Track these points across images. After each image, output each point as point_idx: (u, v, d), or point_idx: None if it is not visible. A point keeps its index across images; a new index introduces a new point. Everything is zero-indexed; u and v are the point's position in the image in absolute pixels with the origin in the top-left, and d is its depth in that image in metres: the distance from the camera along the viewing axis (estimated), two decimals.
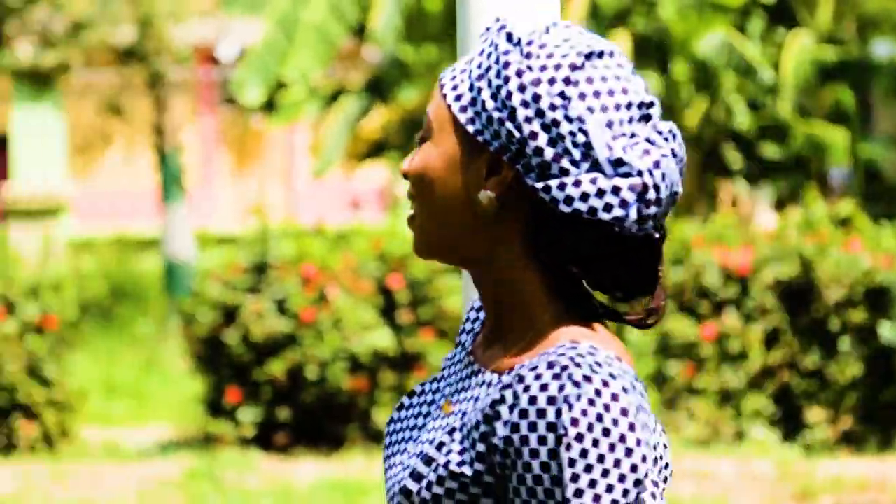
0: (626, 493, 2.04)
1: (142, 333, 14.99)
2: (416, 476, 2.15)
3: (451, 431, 2.15)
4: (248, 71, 14.84)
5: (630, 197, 2.09)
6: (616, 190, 2.10)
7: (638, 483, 2.07)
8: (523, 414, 2.05)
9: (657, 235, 2.13)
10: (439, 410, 2.24)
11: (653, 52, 15.59)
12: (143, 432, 11.10)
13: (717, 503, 8.39)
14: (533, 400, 2.05)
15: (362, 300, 10.18)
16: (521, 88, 2.13)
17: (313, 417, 10.17)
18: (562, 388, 2.03)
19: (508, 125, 2.11)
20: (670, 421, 9.88)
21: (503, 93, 2.13)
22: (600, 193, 2.09)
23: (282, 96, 16.39)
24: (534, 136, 2.11)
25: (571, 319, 2.16)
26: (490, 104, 2.14)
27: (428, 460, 2.16)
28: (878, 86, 16.02)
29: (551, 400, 2.04)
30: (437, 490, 2.15)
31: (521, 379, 2.06)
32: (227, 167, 24.89)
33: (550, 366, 2.05)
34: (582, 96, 2.12)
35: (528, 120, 2.11)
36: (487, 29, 2.18)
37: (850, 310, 9.91)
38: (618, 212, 2.09)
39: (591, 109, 2.12)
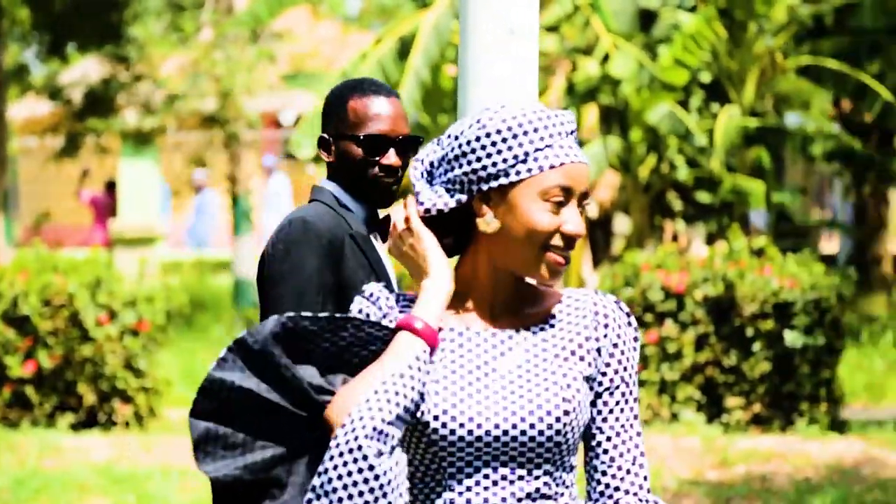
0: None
1: (216, 336, 14.98)
2: (567, 399, 2.23)
3: (566, 359, 2.27)
4: (302, 132, 14.83)
5: None
6: None
7: None
8: (622, 323, 2.33)
9: None
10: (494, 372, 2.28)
11: (615, 121, 15.58)
12: None
13: (655, 471, 8.36)
14: (619, 312, 2.33)
15: None
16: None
17: None
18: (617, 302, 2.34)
19: None
20: None
21: None
22: None
23: None
24: None
25: None
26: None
27: (563, 382, 2.24)
28: (789, 148, 15.98)
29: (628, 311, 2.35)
30: (580, 389, 2.25)
31: (595, 304, 2.31)
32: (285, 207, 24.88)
33: (595, 293, 2.34)
34: None
35: None
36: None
37: (762, 320, 9.88)
38: None
39: None
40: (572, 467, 2.28)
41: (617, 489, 2.29)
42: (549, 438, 2.21)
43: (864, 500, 7.55)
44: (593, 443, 2.30)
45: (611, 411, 2.29)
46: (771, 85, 16.48)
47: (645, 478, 2.30)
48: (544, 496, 2.24)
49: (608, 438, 2.29)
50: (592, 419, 2.30)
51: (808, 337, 9.78)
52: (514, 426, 2.21)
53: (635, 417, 2.31)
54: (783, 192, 16.92)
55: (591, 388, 2.30)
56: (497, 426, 2.21)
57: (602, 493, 2.30)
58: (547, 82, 16.62)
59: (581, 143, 15.34)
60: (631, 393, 2.30)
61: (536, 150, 2.24)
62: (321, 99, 14.58)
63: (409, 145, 3.23)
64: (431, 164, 2.34)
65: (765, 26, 15.85)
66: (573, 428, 2.23)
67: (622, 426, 2.29)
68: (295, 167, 24.10)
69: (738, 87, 16.21)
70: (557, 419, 2.21)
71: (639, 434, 2.31)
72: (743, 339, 9.90)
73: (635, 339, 2.33)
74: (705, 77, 16.28)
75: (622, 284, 10.14)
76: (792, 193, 17.08)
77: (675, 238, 19.76)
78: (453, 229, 2.31)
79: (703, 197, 16.15)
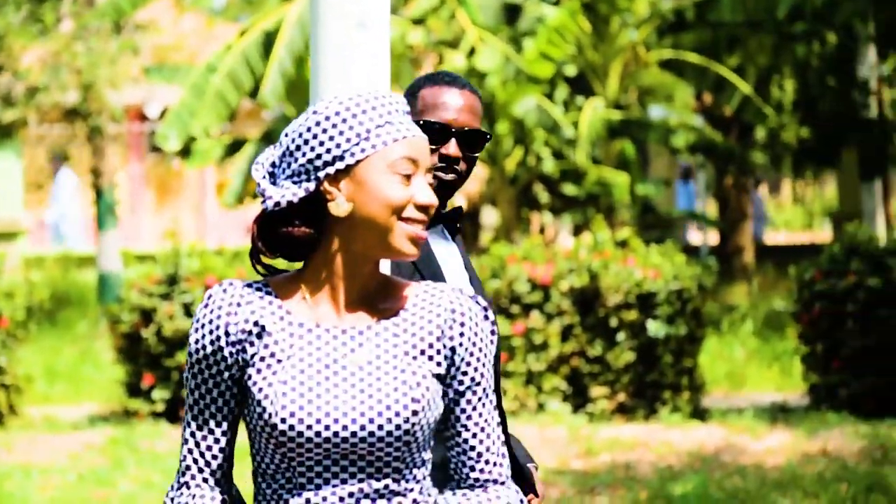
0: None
1: (79, 331, 14.73)
2: (416, 399, 2.24)
3: (415, 357, 2.27)
4: (168, 126, 14.65)
5: None
6: None
7: None
8: (478, 320, 2.34)
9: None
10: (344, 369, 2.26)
11: (482, 113, 15.64)
12: (77, 409, 10.88)
13: None
14: (476, 307, 2.34)
15: None
16: None
17: None
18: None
19: None
20: None
21: None
22: None
23: (194, 145, 16.21)
24: None
25: None
26: None
27: (412, 381, 2.25)
28: (652, 140, 16.21)
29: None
30: (430, 388, 2.26)
31: (451, 301, 2.32)
32: (151, 201, 24.57)
33: (444, 289, 2.34)
34: None
35: None
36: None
37: (626, 311, 10.00)
38: None
39: None
40: (424, 462, 2.30)
41: (487, 481, 2.35)
42: (398, 438, 2.22)
43: (724, 486, 7.69)
44: (459, 439, 2.34)
45: (474, 408, 2.32)
46: (634, 78, 16.70)
47: (508, 466, 2.37)
48: (393, 492, 2.25)
49: (474, 435, 2.33)
50: (456, 417, 2.33)
51: (671, 327, 9.92)
52: (363, 427, 2.21)
53: (495, 409, 2.36)
54: (647, 183, 17.15)
55: (448, 385, 2.32)
56: (345, 427, 2.21)
57: (472, 487, 2.36)
58: (414, 75, 16.60)
59: None
60: (490, 386, 2.34)
61: (377, 126, 2.25)
62: (186, 91, 14.41)
63: (473, 140, 3.08)
64: (273, 165, 2.32)
65: (628, 20, 16.04)
66: (423, 426, 2.25)
67: (485, 421, 2.33)
68: (160, 161, 23.80)
69: (602, 80, 16.39)
70: (406, 419, 2.22)
71: (499, 424, 2.36)
72: (607, 330, 10.01)
73: (493, 333, 2.35)
74: (570, 70, 16.43)
75: (489, 276, 10.19)
76: (656, 185, 17.31)
77: (542, 230, 19.94)
78: (309, 223, 2.29)
79: (569, 189, 16.31)
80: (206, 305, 2.30)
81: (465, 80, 3.19)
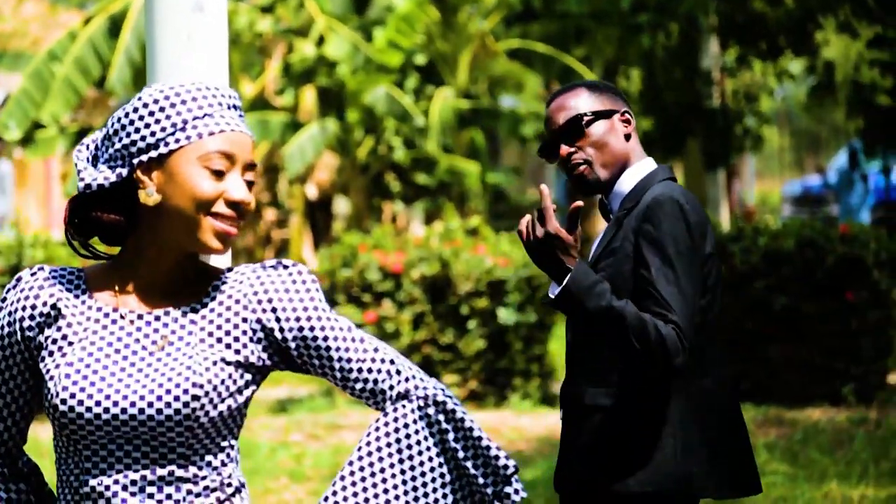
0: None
1: None
2: (198, 384, 2.19)
3: (211, 345, 2.23)
4: (8, 114, 14.31)
5: None
6: None
7: None
8: (287, 287, 2.29)
9: None
10: (144, 350, 2.25)
11: (333, 102, 15.59)
12: None
13: None
14: (282, 274, 2.30)
15: None
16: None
17: None
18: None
19: None
20: None
21: None
22: None
23: (37, 135, 15.85)
24: None
25: None
26: None
27: (199, 367, 2.21)
28: (503, 129, 16.30)
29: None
30: (219, 375, 2.22)
31: (252, 284, 2.27)
32: None
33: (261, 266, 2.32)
34: None
35: None
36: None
37: (477, 298, 10.03)
38: None
39: None
40: (222, 448, 2.26)
41: (404, 393, 2.30)
42: (179, 423, 2.20)
43: None
44: (345, 382, 2.29)
45: (334, 351, 2.28)
46: (484, 67, 16.79)
47: (392, 361, 2.30)
48: (181, 479, 2.24)
49: (349, 370, 2.28)
50: (332, 368, 2.28)
51: (521, 314, 9.98)
52: (142, 410, 2.20)
53: (353, 334, 2.30)
54: (498, 172, 17.25)
55: (299, 354, 2.27)
56: (124, 410, 2.20)
57: (392, 399, 2.30)
58: (263, 64, 16.46)
59: (299, 125, 15.26)
60: (338, 324, 2.29)
61: (195, 118, 2.23)
62: (26, 79, 14.07)
63: (572, 131, 3.27)
64: (97, 147, 2.29)
65: (476, 9, 16.11)
66: (208, 412, 2.22)
67: (349, 350, 2.28)
68: (3, 150, 23.25)
69: (452, 70, 16.43)
70: (186, 404, 2.20)
71: (363, 340, 2.30)
72: (458, 318, 10.04)
73: (313, 281, 2.31)
74: (420, 59, 16.45)
75: (340, 265, 10.14)
76: (506, 174, 17.42)
77: (394, 219, 19.94)
78: (124, 209, 2.26)
79: (421, 178, 16.33)
80: (13, 287, 2.30)
81: (565, 86, 3.39)
